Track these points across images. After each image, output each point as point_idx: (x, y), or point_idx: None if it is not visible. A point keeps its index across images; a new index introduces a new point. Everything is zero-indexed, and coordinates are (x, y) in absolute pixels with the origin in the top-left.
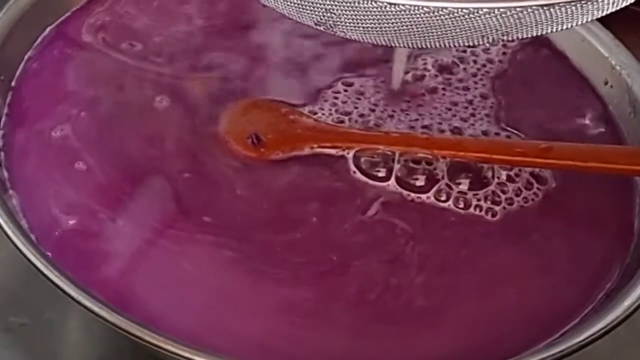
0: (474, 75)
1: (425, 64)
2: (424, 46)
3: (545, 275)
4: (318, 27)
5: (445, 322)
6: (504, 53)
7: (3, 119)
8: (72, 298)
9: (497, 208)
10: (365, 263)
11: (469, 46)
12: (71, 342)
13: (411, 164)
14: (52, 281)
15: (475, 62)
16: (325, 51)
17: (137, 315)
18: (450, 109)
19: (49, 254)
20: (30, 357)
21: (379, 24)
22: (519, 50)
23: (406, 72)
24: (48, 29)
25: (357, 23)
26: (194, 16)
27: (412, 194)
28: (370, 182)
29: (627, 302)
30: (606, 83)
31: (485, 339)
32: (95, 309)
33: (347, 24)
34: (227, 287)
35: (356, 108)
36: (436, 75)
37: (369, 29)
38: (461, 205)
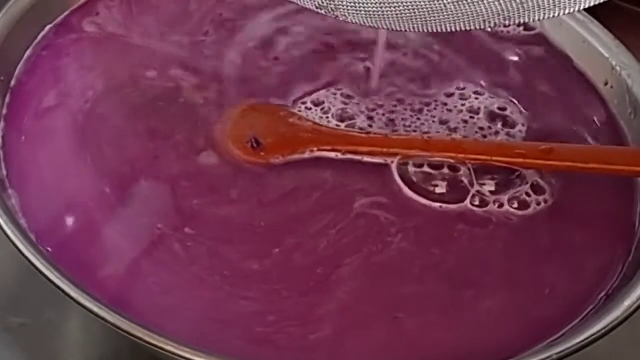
0: None
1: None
2: (425, 30)
3: (546, 275)
4: (319, 10)
5: (452, 319)
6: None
7: (2, 119)
8: (72, 298)
9: (500, 209)
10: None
11: (470, 30)
12: (71, 342)
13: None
14: (52, 281)
15: None
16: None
17: (137, 315)
18: (451, 110)
19: (49, 251)
20: (30, 357)
21: (381, 7)
22: (518, 50)
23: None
24: (47, 27)
25: (359, 7)
26: (194, 15)
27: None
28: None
29: (627, 302)
30: (606, 83)
31: (485, 339)
32: (95, 309)
33: (349, 8)
34: (219, 298)
35: (347, 106)
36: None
37: (371, 12)
38: (477, 203)
